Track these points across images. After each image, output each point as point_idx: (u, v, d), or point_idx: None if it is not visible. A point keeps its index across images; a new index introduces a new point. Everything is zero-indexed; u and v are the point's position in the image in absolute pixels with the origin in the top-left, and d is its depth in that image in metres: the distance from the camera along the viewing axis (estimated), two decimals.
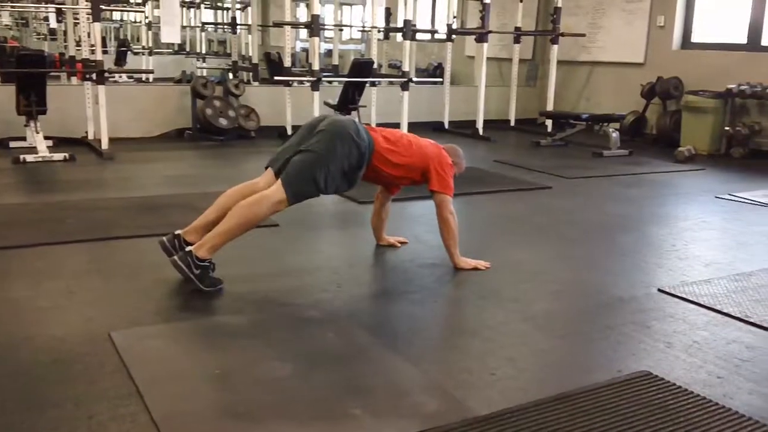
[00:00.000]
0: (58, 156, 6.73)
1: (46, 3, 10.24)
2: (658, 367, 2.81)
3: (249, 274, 3.82)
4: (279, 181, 3.57)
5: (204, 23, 14.72)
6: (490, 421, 2.35)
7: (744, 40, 8.69)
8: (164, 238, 3.66)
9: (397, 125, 8.46)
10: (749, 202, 5.93)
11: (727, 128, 8.37)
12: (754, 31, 8.58)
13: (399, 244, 4.40)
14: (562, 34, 9.94)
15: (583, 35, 10.21)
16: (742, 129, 8.25)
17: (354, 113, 8.32)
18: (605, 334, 3.15)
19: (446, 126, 9.90)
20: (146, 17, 13.41)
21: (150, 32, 12.91)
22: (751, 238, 4.88)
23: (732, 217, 5.47)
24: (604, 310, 3.45)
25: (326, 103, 8.29)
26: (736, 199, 6.03)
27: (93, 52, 7.36)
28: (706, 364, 2.85)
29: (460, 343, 3.05)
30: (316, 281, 3.72)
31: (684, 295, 3.61)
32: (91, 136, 7.62)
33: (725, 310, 3.41)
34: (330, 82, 9.36)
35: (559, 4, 9.83)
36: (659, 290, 3.69)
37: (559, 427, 2.33)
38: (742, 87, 8.17)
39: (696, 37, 9.36)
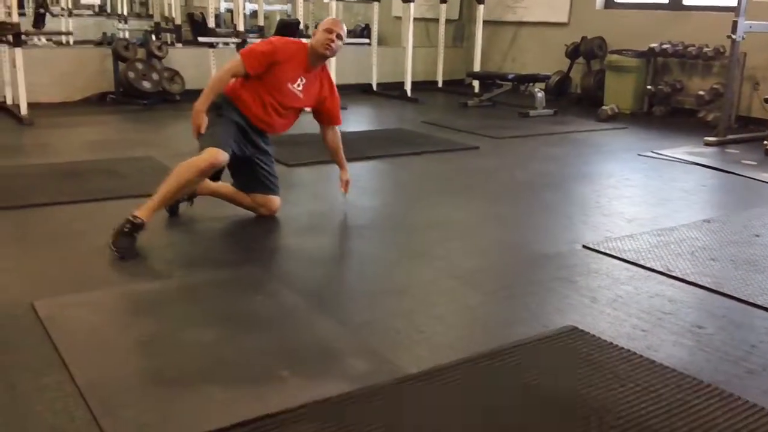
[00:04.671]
0: None
1: None
2: (584, 321, 2.86)
3: (176, 240, 3.75)
4: None
5: None
6: (419, 379, 2.36)
7: (666, 0, 8.83)
8: None
9: None
10: (671, 159, 6.08)
11: (649, 87, 8.53)
12: None
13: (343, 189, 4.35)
14: None
15: None
16: (664, 87, 8.42)
17: None
18: (532, 289, 3.19)
19: (374, 87, 9.84)
20: None
21: None
22: (672, 194, 5.00)
23: (654, 174, 5.60)
24: (531, 266, 3.50)
25: None
26: (658, 156, 6.17)
27: (9, 14, 7.05)
28: (630, 317, 2.92)
29: (388, 302, 3.05)
30: (244, 245, 3.67)
31: (608, 251, 3.68)
32: (9, 102, 7.32)
33: (648, 265, 3.49)
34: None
35: None
36: (584, 246, 3.75)
37: (488, 383, 2.35)
38: (664, 46, 8.33)
39: None
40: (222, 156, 3.62)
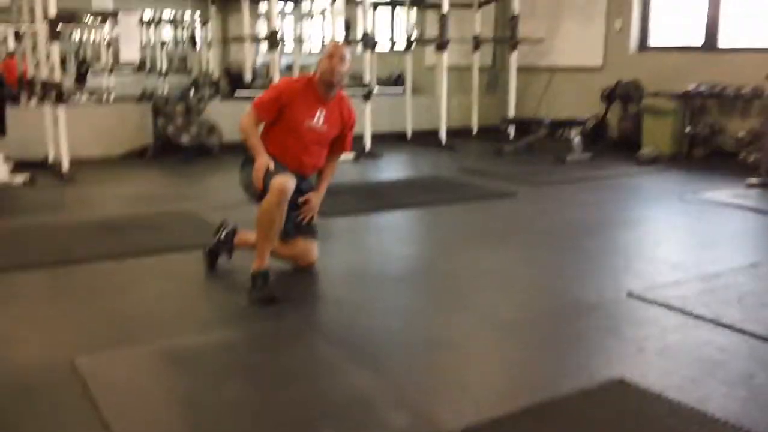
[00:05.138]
0: (18, 179, 6.60)
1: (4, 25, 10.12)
2: (632, 372, 2.77)
3: (214, 293, 3.74)
4: None
5: (164, 41, 14.59)
6: None
7: (701, 42, 8.77)
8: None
9: (359, 137, 8.41)
10: (713, 202, 5.96)
11: (688, 129, 8.44)
12: (711, 32, 8.66)
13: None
14: (521, 41, 9.99)
15: (542, 41, 10.26)
16: (703, 129, 8.32)
17: None
18: (576, 340, 3.12)
19: (409, 136, 9.87)
20: (105, 36, 13.26)
21: (110, 51, 12.75)
22: (717, 238, 4.90)
23: (697, 217, 5.49)
24: (574, 316, 3.42)
25: None
26: (700, 199, 6.06)
27: (52, 73, 7.22)
28: (680, 368, 2.83)
29: (428, 355, 3.00)
30: (282, 297, 3.63)
31: (653, 299, 3.59)
32: (51, 158, 7.45)
33: (696, 312, 3.39)
34: None
35: (517, 12, 9.88)
36: (628, 294, 3.67)
37: None
38: (701, 88, 8.25)
39: (653, 40, 9.44)
40: (288, 181, 3.61)
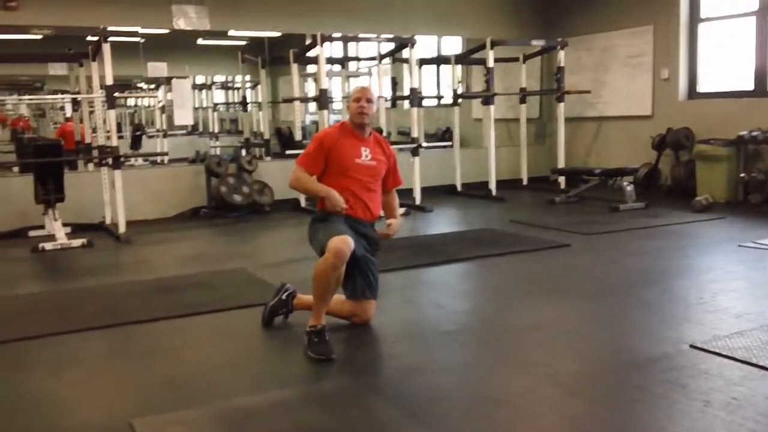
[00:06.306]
0: (76, 242, 6.75)
1: (62, 93, 10.48)
2: (697, 428, 2.69)
3: (270, 352, 3.74)
4: None
5: (216, 104, 14.94)
6: None
7: (751, 87, 8.67)
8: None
9: (409, 191, 8.44)
10: None
11: (742, 175, 8.29)
12: (761, 77, 8.57)
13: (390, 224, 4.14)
14: (567, 92, 9.99)
15: (588, 92, 10.25)
16: (758, 175, 8.16)
17: None
18: (639, 395, 3.03)
19: (459, 188, 9.88)
20: (159, 101, 13.63)
21: (164, 115, 13.08)
22: None
23: (758, 265, 5.34)
24: (635, 369, 3.34)
25: None
26: (760, 246, 5.90)
27: (108, 138, 7.43)
28: (747, 421, 2.73)
29: (486, 412, 2.94)
30: (338, 355, 3.61)
31: (717, 350, 3.48)
32: (108, 221, 7.65)
33: (761, 363, 3.28)
34: None
35: (562, 64, 9.91)
36: (691, 346, 3.57)
37: None
38: (754, 133, 8.12)
39: (702, 87, 9.36)
40: (344, 243, 3.63)
